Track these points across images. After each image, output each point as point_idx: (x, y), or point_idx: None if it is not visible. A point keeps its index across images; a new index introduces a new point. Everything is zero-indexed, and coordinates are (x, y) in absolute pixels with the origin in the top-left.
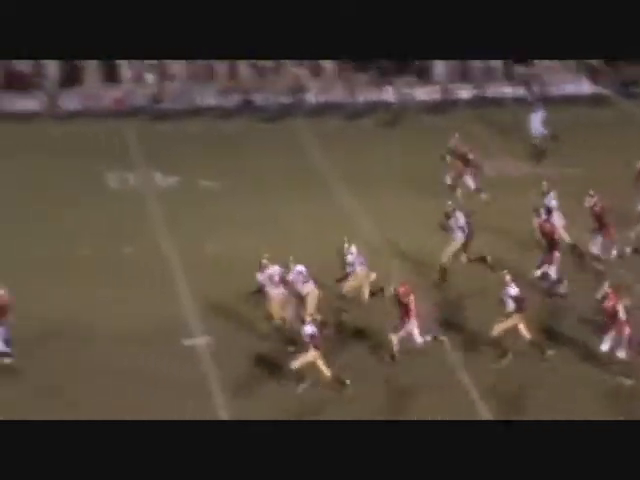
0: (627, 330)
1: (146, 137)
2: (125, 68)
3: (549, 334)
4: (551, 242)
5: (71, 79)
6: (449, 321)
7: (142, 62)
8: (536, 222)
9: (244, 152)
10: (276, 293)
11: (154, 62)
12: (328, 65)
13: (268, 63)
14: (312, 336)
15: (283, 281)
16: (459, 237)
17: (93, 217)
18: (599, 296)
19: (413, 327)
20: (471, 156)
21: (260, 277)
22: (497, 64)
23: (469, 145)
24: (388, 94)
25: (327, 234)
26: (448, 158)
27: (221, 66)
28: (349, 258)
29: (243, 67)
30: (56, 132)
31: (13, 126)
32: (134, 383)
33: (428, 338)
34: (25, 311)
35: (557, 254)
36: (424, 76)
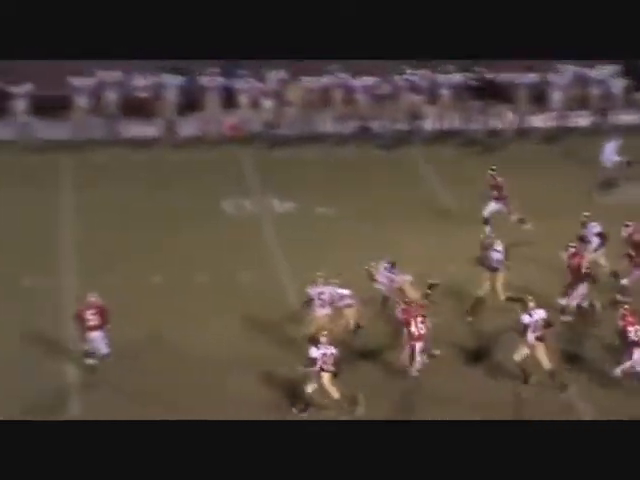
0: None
1: (262, 163)
2: (242, 94)
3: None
4: (577, 275)
5: (190, 105)
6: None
7: (258, 88)
8: (565, 254)
9: (360, 179)
10: (320, 313)
11: (271, 88)
12: (445, 92)
13: (385, 90)
14: (316, 359)
15: (331, 302)
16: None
17: (209, 243)
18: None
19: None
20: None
21: (311, 292)
22: (618, 90)
23: (503, 177)
24: (505, 121)
25: (441, 262)
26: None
27: (337, 92)
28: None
29: (360, 94)
30: (173, 158)
31: (130, 152)
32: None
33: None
34: (139, 335)
35: (582, 287)
36: (541, 102)
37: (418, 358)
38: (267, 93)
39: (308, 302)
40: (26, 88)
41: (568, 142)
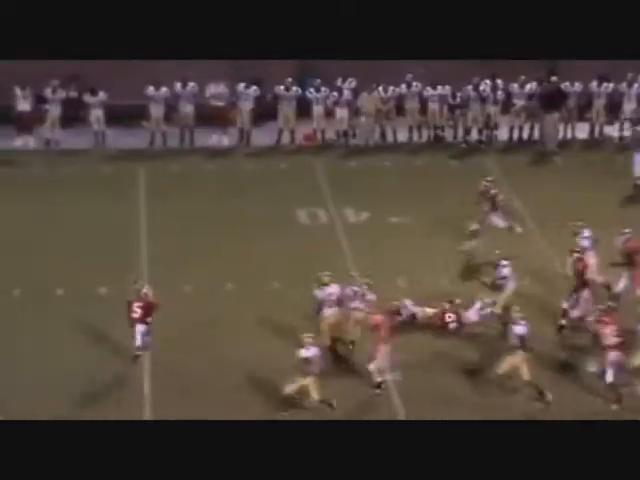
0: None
1: (336, 173)
2: (316, 104)
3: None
4: (581, 280)
5: (265, 115)
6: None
7: (333, 98)
8: (569, 260)
9: (434, 188)
10: (329, 313)
11: (345, 98)
12: (518, 102)
13: (459, 100)
14: (307, 359)
15: (339, 302)
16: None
17: (283, 252)
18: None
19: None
20: (500, 197)
21: (319, 295)
22: None
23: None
24: (580, 131)
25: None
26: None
27: (412, 102)
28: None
29: (434, 103)
30: (247, 168)
31: (205, 161)
32: None
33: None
34: (216, 343)
35: (585, 294)
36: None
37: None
38: (341, 103)
39: (319, 306)
40: (101, 97)
41: None
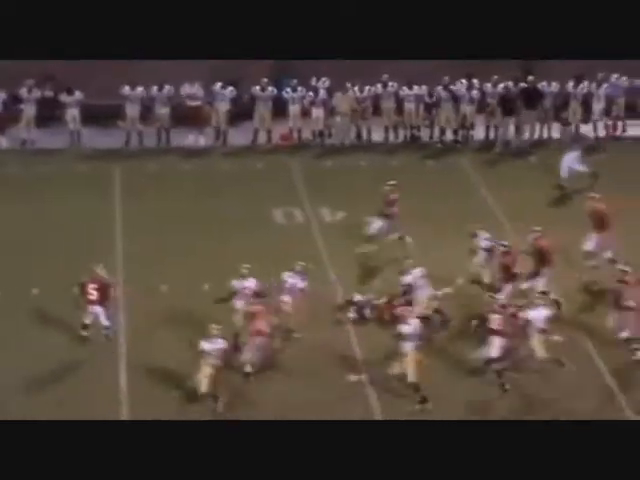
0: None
1: (312, 172)
2: (292, 104)
3: None
4: (507, 273)
5: (240, 115)
6: None
7: (309, 98)
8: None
9: (410, 188)
10: (240, 305)
11: (320, 98)
12: (492, 101)
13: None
14: (207, 352)
15: (257, 295)
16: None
17: (259, 252)
18: None
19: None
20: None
21: (236, 285)
22: None
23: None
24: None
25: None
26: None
27: (388, 101)
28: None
29: (410, 103)
30: (224, 167)
31: (181, 161)
32: None
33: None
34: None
35: (509, 288)
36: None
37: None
38: (317, 102)
39: (230, 295)
40: (77, 97)
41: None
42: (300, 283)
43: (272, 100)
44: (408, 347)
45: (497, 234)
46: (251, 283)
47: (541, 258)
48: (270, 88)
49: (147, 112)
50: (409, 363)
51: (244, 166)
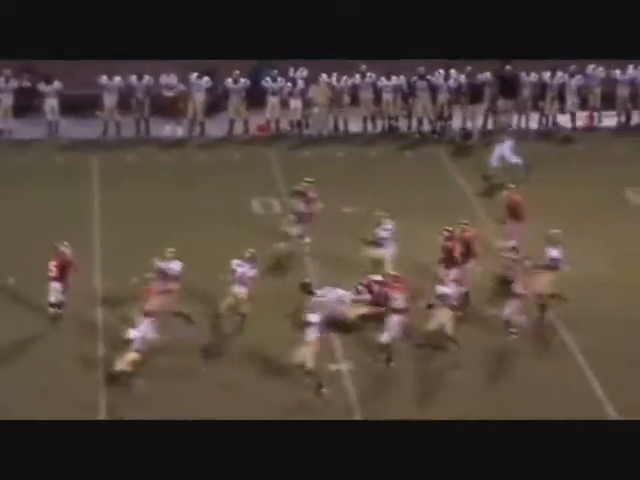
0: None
1: (290, 163)
2: (270, 94)
3: None
4: (449, 258)
5: (218, 105)
6: None
7: (287, 89)
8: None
9: (387, 179)
10: (159, 286)
11: (298, 88)
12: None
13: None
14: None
15: (176, 279)
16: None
17: (237, 243)
18: None
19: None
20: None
21: (161, 265)
22: None
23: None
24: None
25: None
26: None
27: (366, 92)
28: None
29: (388, 94)
30: (201, 158)
31: (159, 152)
32: None
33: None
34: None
35: (453, 273)
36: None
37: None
38: (295, 93)
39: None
40: (56, 86)
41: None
42: (249, 271)
43: (246, 92)
44: (312, 335)
45: (473, 223)
46: (175, 265)
47: (467, 249)
48: (243, 80)
49: (126, 102)
50: (310, 350)
51: (222, 157)
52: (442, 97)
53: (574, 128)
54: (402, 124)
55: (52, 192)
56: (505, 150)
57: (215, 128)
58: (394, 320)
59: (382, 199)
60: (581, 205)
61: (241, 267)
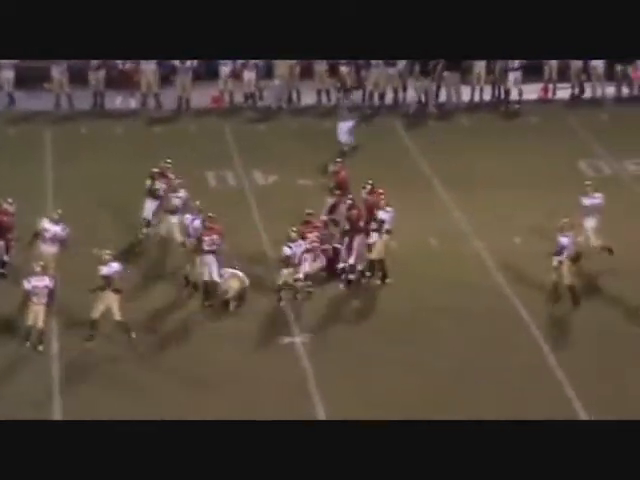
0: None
1: (244, 135)
2: (223, 66)
3: None
4: (354, 227)
5: (170, 78)
6: None
7: (240, 60)
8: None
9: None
10: (43, 248)
11: (252, 61)
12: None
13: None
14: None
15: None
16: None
17: None
18: None
19: None
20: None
21: (45, 226)
22: (597, 63)
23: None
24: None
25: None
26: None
27: (320, 64)
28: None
29: (342, 66)
30: (155, 130)
31: (112, 124)
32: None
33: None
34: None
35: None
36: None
37: None
38: (249, 65)
39: (35, 236)
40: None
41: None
42: (61, 232)
43: (194, 69)
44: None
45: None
46: (57, 228)
47: (351, 225)
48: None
49: (82, 75)
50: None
51: (176, 129)
52: (392, 70)
53: (520, 101)
54: (356, 96)
55: (4, 165)
56: (344, 128)
57: (170, 100)
58: (357, 241)
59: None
60: (535, 176)
61: (50, 225)
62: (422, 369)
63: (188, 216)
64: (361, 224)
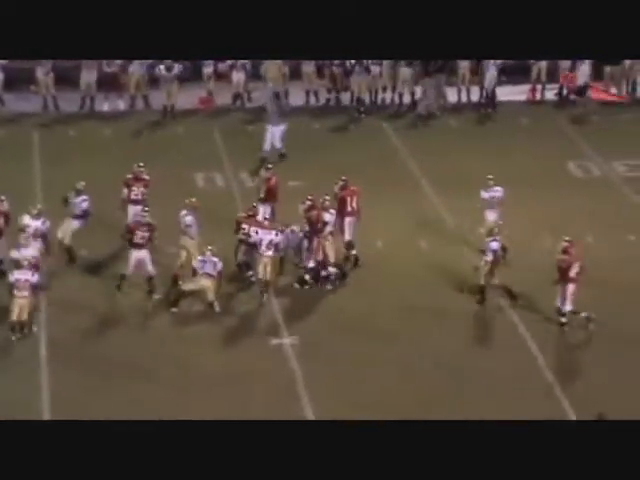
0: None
1: (233, 137)
2: (210, 67)
3: None
4: (314, 228)
5: (155, 79)
6: None
7: (228, 61)
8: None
9: (332, 152)
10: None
11: (241, 62)
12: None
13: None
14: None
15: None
16: None
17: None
18: None
19: None
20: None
21: (27, 222)
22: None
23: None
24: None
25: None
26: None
27: (308, 65)
28: None
29: (333, 66)
30: (144, 132)
31: (101, 126)
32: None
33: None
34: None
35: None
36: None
37: None
38: (237, 66)
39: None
40: (2, 61)
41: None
42: (41, 227)
43: (178, 78)
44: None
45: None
46: (37, 223)
47: (310, 226)
48: (177, 66)
49: (66, 77)
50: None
51: (164, 130)
52: (376, 69)
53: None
54: (344, 98)
55: None
56: (276, 132)
57: (159, 101)
58: (347, 221)
59: (327, 173)
60: (524, 177)
61: (34, 221)
62: (411, 370)
63: (183, 212)
64: (319, 225)
